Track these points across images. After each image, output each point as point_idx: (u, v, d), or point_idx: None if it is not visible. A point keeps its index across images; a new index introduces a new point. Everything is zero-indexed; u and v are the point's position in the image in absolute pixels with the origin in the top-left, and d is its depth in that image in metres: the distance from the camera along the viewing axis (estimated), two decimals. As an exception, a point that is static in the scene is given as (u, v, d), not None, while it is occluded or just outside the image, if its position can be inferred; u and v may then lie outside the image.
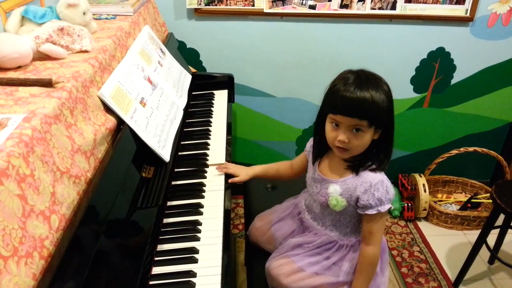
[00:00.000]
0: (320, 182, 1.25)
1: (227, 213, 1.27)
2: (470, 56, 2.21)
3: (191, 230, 1.19)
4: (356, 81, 1.11)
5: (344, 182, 1.19)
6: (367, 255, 1.20)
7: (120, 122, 1.18)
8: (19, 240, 0.70)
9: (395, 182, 2.48)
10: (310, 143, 1.37)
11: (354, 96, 1.09)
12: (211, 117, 1.79)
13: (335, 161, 1.23)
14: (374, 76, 1.13)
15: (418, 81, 2.28)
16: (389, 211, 2.41)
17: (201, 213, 1.26)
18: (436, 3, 2.03)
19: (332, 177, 1.23)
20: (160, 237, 1.17)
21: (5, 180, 0.69)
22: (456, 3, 2.04)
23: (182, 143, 1.58)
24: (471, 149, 2.29)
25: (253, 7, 2.02)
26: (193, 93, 1.95)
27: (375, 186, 1.14)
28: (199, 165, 1.47)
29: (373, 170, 1.17)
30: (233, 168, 1.46)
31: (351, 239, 1.26)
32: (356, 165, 1.19)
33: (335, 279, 1.25)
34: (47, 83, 0.97)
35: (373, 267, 1.23)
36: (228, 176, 1.43)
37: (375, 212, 1.15)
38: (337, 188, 1.20)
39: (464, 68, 2.25)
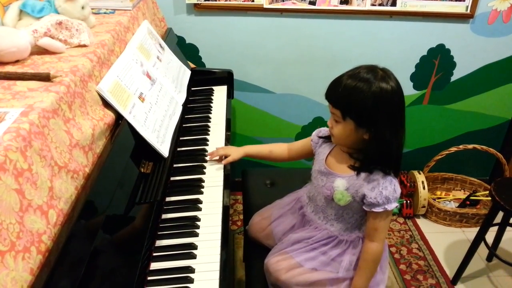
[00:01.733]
0: (327, 176, 1.24)
1: (226, 209, 1.27)
2: (470, 53, 2.20)
3: (190, 226, 1.19)
4: (352, 72, 1.12)
5: (351, 177, 1.19)
6: (371, 251, 1.20)
7: (119, 117, 1.17)
8: (17, 235, 0.69)
9: (394, 179, 2.48)
10: (317, 135, 1.36)
11: (335, 81, 1.13)
12: (210, 113, 1.78)
13: (342, 157, 1.23)
14: (376, 73, 1.09)
15: (418, 78, 2.28)
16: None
17: (199, 209, 1.26)
18: (437, 0, 2.02)
19: (339, 171, 1.22)
20: (159, 233, 1.16)
21: (2, 174, 0.68)
22: (456, 0, 2.03)
23: (181, 138, 1.58)
24: (470, 146, 2.29)
25: (253, 3, 2.01)
26: (192, 88, 1.94)
27: (383, 184, 1.14)
28: (198, 161, 1.47)
29: (381, 171, 1.15)
30: (222, 150, 1.46)
31: (351, 234, 1.26)
32: (357, 167, 1.18)
33: (334, 275, 1.25)
34: (45, 77, 0.96)
35: (375, 264, 1.22)
36: (226, 174, 1.43)
37: (381, 210, 1.14)
38: (344, 182, 1.19)
39: (464, 65, 2.25)
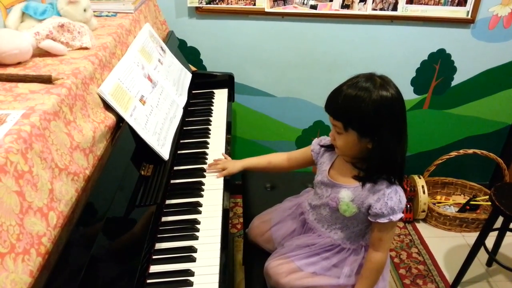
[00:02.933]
0: (331, 187, 1.23)
1: (225, 212, 1.27)
2: (471, 58, 2.21)
3: (190, 229, 1.19)
4: (350, 82, 1.11)
5: (356, 188, 1.18)
6: (375, 261, 1.20)
7: (120, 119, 1.17)
8: (17, 237, 0.69)
9: (394, 183, 2.48)
10: (318, 144, 1.34)
11: (334, 93, 1.12)
12: (211, 116, 1.78)
13: (346, 167, 1.22)
14: (375, 81, 1.09)
15: (419, 82, 2.28)
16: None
17: (199, 212, 1.26)
18: (438, 5, 2.03)
19: (344, 182, 1.21)
20: (158, 236, 1.16)
21: (3, 176, 0.69)
22: (457, 5, 2.03)
23: (181, 141, 1.58)
24: (470, 151, 2.29)
25: (254, 6, 2.02)
26: (193, 91, 1.94)
27: (389, 195, 1.13)
28: (198, 163, 1.47)
29: (386, 180, 1.15)
30: (221, 163, 1.45)
31: (354, 243, 1.26)
32: (361, 177, 1.17)
33: (335, 281, 1.24)
34: (47, 80, 0.97)
35: (378, 274, 1.22)
36: (226, 177, 1.43)
37: (386, 220, 1.14)
38: (349, 193, 1.18)
39: (465, 70, 2.25)
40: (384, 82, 1.09)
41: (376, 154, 1.11)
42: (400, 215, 1.15)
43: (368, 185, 1.16)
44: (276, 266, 1.29)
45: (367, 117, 1.07)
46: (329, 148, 1.29)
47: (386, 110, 1.07)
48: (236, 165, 1.45)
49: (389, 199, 1.12)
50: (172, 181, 1.37)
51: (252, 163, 1.48)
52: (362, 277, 1.22)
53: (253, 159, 1.49)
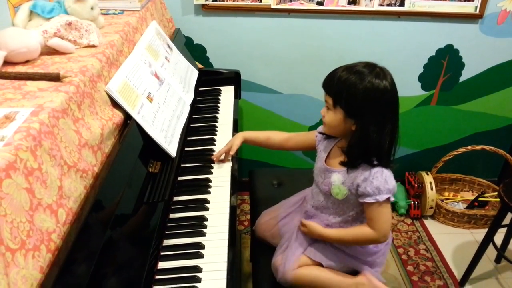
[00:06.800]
0: (325, 172, 1.26)
1: (233, 209, 1.28)
2: (479, 53, 2.19)
3: (197, 226, 1.20)
4: (350, 64, 1.16)
5: (346, 171, 1.20)
6: (363, 231, 1.21)
7: (127, 117, 1.18)
8: (27, 233, 0.70)
9: (402, 180, 2.47)
10: (320, 130, 1.36)
11: (333, 70, 1.18)
12: (218, 113, 1.79)
13: (338, 154, 1.24)
14: (373, 69, 1.12)
15: (426, 78, 2.26)
16: (396, 209, 2.40)
17: (207, 209, 1.26)
18: (445, 0, 2.01)
19: (335, 167, 1.24)
20: (166, 232, 1.17)
21: (13, 173, 0.69)
22: (465, 0, 2.02)
23: (188, 138, 1.59)
24: (478, 147, 2.27)
25: (260, 3, 2.01)
26: (200, 89, 1.95)
27: (374, 174, 1.15)
28: (205, 160, 1.48)
29: (367, 164, 1.16)
30: (224, 148, 1.49)
31: (352, 227, 1.27)
32: (345, 162, 1.19)
33: (341, 268, 1.28)
34: (55, 78, 0.97)
35: (357, 241, 1.24)
36: (233, 174, 1.44)
37: (373, 200, 1.15)
38: (340, 177, 1.21)
39: (473, 66, 2.23)
40: (381, 72, 1.13)
41: (356, 137, 1.15)
42: (386, 196, 1.15)
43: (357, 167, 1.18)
44: (282, 260, 1.30)
45: (355, 99, 1.12)
46: (328, 136, 1.32)
47: (374, 98, 1.11)
48: (238, 138, 1.49)
49: (375, 178, 1.14)
50: (179, 178, 1.38)
51: (251, 137, 1.53)
52: (343, 230, 1.25)
53: (252, 133, 1.55)
